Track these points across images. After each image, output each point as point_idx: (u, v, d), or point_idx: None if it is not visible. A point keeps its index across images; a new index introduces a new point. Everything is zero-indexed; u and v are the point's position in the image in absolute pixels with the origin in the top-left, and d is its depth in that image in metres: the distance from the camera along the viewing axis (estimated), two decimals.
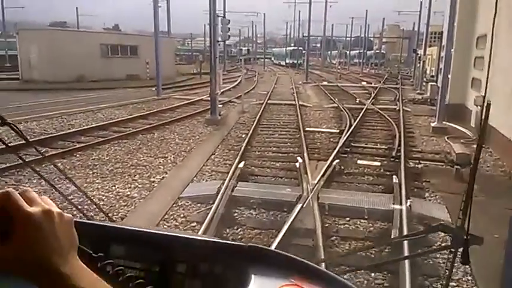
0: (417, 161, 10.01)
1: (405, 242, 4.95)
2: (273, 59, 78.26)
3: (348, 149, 10.88)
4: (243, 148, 10.21)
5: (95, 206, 1.88)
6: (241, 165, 8.70)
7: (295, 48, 63.07)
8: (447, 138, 12.67)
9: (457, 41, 14.78)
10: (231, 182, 7.59)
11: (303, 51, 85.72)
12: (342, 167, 9.18)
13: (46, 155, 8.15)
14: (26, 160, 1.96)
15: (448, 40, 13.55)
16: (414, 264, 4.79)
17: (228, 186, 7.28)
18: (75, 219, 0.66)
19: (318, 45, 77.31)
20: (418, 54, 30.77)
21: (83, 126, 12.73)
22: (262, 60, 67.29)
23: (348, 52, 63.31)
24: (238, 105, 18.96)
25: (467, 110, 14.58)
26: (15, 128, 1.31)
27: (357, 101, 20.99)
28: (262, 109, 17.11)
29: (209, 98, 14.49)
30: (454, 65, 14.25)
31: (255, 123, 13.82)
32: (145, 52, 22.46)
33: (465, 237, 0.94)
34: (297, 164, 8.97)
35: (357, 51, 68.39)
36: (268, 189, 7.46)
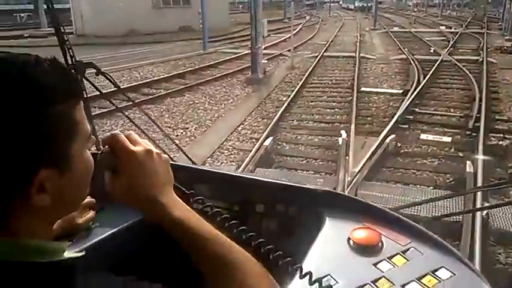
0: (501, 136, 7.63)
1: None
2: (341, 2, 72.44)
3: (411, 117, 8.68)
4: (276, 118, 8.46)
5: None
6: (267, 142, 7.03)
7: None
8: None
9: None
10: (247, 168, 6.01)
11: None
12: (399, 145, 7.16)
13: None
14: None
15: None
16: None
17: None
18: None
19: None
20: None
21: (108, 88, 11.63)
22: (330, 4, 62.24)
23: None
24: (292, 58, 16.88)
25: None
26: (108, 76, 1.51)
27: (431, 51, 17.85)
28: (315, 64, 14.92)
29: (266, 51, 12.58)
30: None
31: (301, 82, 11.85)
32: (199, 1, 20.69)
33: None
34: (340, 140, 7.11)
35: None
36: (291, 181, 5.76)
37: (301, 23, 35.10)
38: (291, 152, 7.03)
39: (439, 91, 10.99)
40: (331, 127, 8.27)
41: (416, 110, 9.21)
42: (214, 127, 8.34)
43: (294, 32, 28.45)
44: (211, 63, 15.43)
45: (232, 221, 0.80)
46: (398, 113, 8.67)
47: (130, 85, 11.53)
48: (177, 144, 1.98)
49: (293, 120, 8.69)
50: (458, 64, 13.99)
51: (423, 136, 7.57)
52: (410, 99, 9.64)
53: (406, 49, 17.66)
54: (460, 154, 6.77)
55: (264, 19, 12.88)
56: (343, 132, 7.44)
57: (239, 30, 30.04)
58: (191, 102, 10.10)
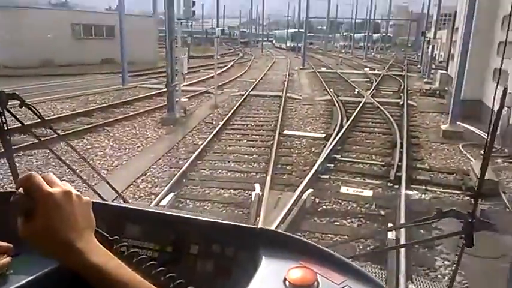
0: (424, 187, 7.16)
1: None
2: (274, 42, 74.56)
3: (332, 165, 8.05)
4: (186, 166, 7.39)
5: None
6: (167, 199, 5.92)
7: (296, 30, 59.48)
8: (462, 146, 9.78)
9: (476, 22, 11.67)
10: None
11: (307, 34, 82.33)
12: (317, 200, 6.38)
13: None
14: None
15: (468, 19, 10.48)
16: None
17: None
18: (92, 200, 0.71)
19: (325, 27, 73.42)
20: (427, 37, 27.42)
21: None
22: (262, 43, 63.65)
23: (352, 35, 59.18)
24: (217, 97, 16.08)
25: (485, 108, 11.57)
26: (33, 109, 1.40)
27: (355, 92, 18.01)
28: (240, 103, 14.22)
29: (191, 88, 11.55)
30: (471, 51, 11.19)
31: (222, 123, 10.97)
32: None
33: (471, 220, 0.94)
34: (253, 195, 6.19)
35: (363, 34, 64.41)
36: (227, 219, 4.67)
37: (233, 60, 34.97)
38: (196, 210, 5.95)
39: (361, 136, 10.62)
40: (246, 178, 7.36)
41: (338, 157, 8.63)
42: (109, 179, 7.06)
43: (226, 68, 28.09)
44: (127, 99, 14.15)
45: (161, 265, 0.81)
46: (320, 160, 8.01)
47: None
48: (106, 181, 1.73)
49: (205, 170, 7.67)
50: (381, 107, 13.98)
51: (343, 189, 6.88)
52: (332, 145, 9.07)
53: (331, 90, 17.65)
54: (382, 212, 6.12)
55: (183, 55, 11.99)
56: (257, 185, 6.54)
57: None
58: (89, 147, 8.74)
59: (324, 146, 9.20)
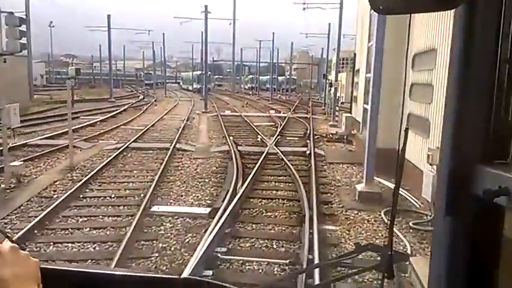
0: None
1: None
2: (181, 83, 72.03)
3: (217, 263, 5.13)
4: None
5: None
6: None
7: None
8: (385, 214, 7.54)
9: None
10: None
11: (215, 76, 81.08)
12: None
13: None
14: None
15: (377, 57, 8.61)
16: None
17: None
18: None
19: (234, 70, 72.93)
20: (328, 80, 26.72)
21: None
22: (169, 84, 60.71)
23: (257, 78, 58.76)
24: (83, 152, 12.52)
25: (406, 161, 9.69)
26: None
27: (258, 139, 15.64)
28: (109, 161, 10.85)
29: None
30: (382, 96, 9.35)
31: (65, 197, 7.56)
32: None
33: (390, 253, 0.91)
34: None
35: (269, 77, 64.80)
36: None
37: (129, 104, 31.33)
38: None
39: (260, 205, 7.92)
40: None
41: (223, 249, 5.76)
42: None
43: (115, 113, 24.33)
44: None
45: None
46: (191, 264, 5.03)
47: None
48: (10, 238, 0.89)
49: None
50: (285, 159, 11.58)
51: None
52: (217, 229, 6.19)
53: (232, 137, 15.08)
54: None
55: (14, 104, 8.48)
56: None
57: (45, 109, 24.47)
58: None
59: (206, 230, 6.28)
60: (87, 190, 8.45)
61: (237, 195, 7.97)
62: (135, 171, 10.24)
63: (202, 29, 31.32)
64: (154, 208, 7.26)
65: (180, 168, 10.78)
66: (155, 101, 36.02)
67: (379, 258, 0.95)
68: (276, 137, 15.91)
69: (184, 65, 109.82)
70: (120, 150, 12.29)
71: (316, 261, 5.38)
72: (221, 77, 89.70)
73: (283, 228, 6.85)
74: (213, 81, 77.37)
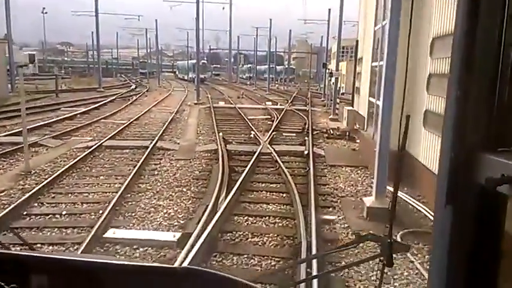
0: None
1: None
2: (177, 73, 69.97)
3: None
4: None
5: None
6: None
7: None
8: (402, 238, 5.97)
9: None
10: None
11: (212, 65, 78.84)
12: None
13: None
14: None
15: (391, 41, 6.94)
16: None
17: None
18: None
19: (233, 59, 70.87)
20: (328, 69, 24.97)
21: None
22: (166, 74, 58.76)
23: (255, 67, 56.65)
24: (50, 151, 10.93)
25: (421, 166, 8.07)
26: None
27: (251, 136, 14.04)
28: (74, 163, 9.25)
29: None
30: (391, 88, 7.69)
31: (3, 214, 5.98)
32: None
33: (389, 241, 0.94)
34: None
35: (267, 66, 62.84)
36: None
37: (118, 94, 29.60)
38: None
39: (245, 226, 6.34)
40: None
41: None
42: None
43: (100, 104, 22.57)
44: None
45: None
46: None
47: None
48: (11, 228, 1.64)
49: None
50: (279, 161, 9.97)
51: None
52: (186, 263, 4.63)
53: (221, 133, 13.46)
54: None
55: None
56: None
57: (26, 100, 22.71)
58: None
59: (175, 259, 4.69)
60: (36, 204, 6.86)
61: (217, 212, 6.39)
62: (101, 177, 8.62)
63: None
64: (109, 233, 5.65)
65: (156, 172, 9.17)
66: (147, 91, 34.30)
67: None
68: (271, 133, 14.30)
69: (182, 54, 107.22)
70: (92, 149, 10.67)
71: None
72: (219, 66, 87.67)
73: (273, 261, 5.27)
74: (210, 71, 75.46)
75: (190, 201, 7.33)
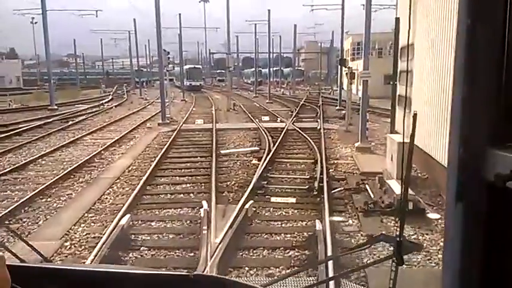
0: None
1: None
2: (174, 80, 62.38)
3: None
4: None
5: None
6: None
7: (192, 66, 48.31)
8: None
9: None
10: None
11: (217, 71, 71.22)
12: None
13: None
14: None
15: None
16: None
17: None
18: (8, 263, 0.65)
19: (240, 64, 63.23)
20: (347, 67, 16.79)
21: None
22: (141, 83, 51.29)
23: (256, 72, 48.16)
24: None
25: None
26: None
27: (200, 213, 6.19)
28: None
29: None
30: None
31: None
32: None
33: (398, 239, 0.91)
34: None
35: (272, 69, 54.51)
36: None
37: (71, 112, 22.07)
38: None
39: None
40: None
41: None
42: None
43: (14, 132, 14.88)
44: None
45: None
46: None
47: None
48: (21, 238, 1.32)
49: None
50: None
51: None
52: None
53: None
54: None
55: None
56: None
57: None
58: None
59: None
60: None
61: None
62: None
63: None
64: None
65: None
66: (117, 105, 26.72)
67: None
68: (246, 197, 6.50)
69: (190, 61, 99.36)
70: None
71: None
72: (222, 71, 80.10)
73: None
74: (213, 76, 67.85)
75: None
